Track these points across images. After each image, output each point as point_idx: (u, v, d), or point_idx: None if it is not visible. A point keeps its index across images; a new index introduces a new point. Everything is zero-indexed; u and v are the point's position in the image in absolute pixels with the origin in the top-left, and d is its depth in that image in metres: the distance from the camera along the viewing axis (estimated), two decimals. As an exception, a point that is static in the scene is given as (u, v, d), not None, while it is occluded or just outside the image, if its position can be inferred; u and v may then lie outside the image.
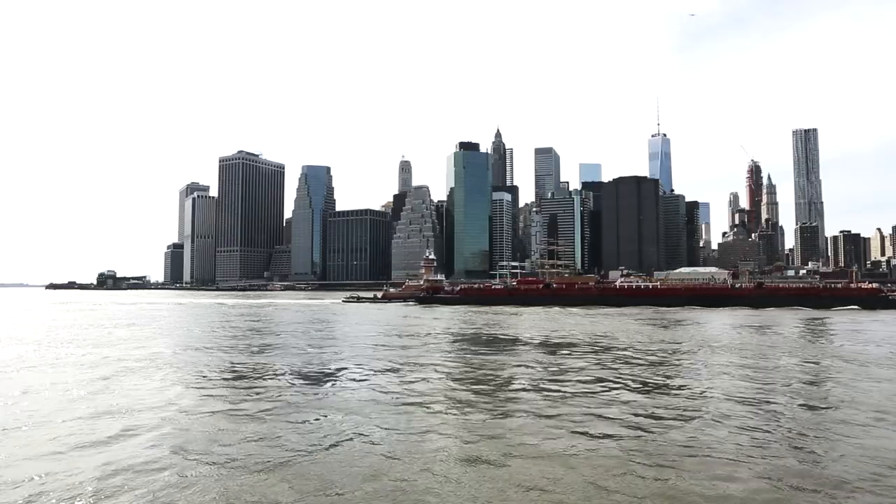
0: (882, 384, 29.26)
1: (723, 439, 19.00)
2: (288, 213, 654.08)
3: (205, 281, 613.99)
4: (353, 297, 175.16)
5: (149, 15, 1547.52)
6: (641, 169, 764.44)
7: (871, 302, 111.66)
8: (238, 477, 15.52)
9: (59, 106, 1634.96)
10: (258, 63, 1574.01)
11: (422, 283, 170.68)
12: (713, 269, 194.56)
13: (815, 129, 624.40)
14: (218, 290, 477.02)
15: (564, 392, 27.31)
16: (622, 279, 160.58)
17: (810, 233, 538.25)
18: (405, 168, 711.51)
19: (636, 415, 22.61)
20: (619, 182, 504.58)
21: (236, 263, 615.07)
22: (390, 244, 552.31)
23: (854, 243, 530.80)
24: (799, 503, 13.89)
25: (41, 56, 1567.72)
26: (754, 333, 59.48)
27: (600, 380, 30.72)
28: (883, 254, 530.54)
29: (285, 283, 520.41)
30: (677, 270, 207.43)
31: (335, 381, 31.26)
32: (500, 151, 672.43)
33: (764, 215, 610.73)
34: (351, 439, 19.19)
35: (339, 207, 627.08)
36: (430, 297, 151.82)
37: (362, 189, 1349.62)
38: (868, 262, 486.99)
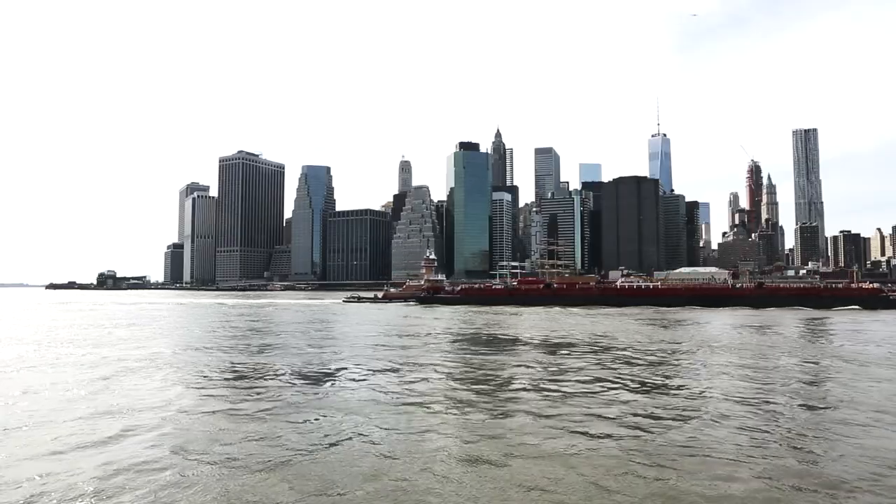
0: (882, 384, 29.26)
1: (722, 439, 19.00)
2: (288, 213, 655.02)
3: (205, 281, 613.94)
4: (353, 298, 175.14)
5: (149, 15, 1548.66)
6: (641, 169, 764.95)
7: (872, 302, 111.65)
8: (238, 477, 15.53)
9: (59, 106, 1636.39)
10: (258, 63, 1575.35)
11: (422, 283, 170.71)
12: (713, 269, 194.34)
13: (815, 129, 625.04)
14: (218, 290, 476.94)
15: (564, 392, 27.31)
16: (623, 279, 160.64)
17: (810, 233, 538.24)
18: (405, 168, 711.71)
19: (636, 415, 22.62)
20: (619, 182, 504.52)
21: (236, 263, 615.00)
22: (390, 244, 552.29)
23: (854, 243, 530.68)
24: (798, 503, 13.90)
25: (41, 56, 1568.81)
26: (755, 333, 59.48)
27: (600, 380, 30.73)
28: (883, 254, 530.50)
29: (285, 284, 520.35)
30: (677, 270, 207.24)
31: (335, 381, 31.27)
32: (500, 151, 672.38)
33: (764, 215, 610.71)
34: (351, 439, 19.20)
35: (339, 207, 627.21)
36: (430, 297, 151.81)
37: (362, 189, 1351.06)
38: (868, 262, 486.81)
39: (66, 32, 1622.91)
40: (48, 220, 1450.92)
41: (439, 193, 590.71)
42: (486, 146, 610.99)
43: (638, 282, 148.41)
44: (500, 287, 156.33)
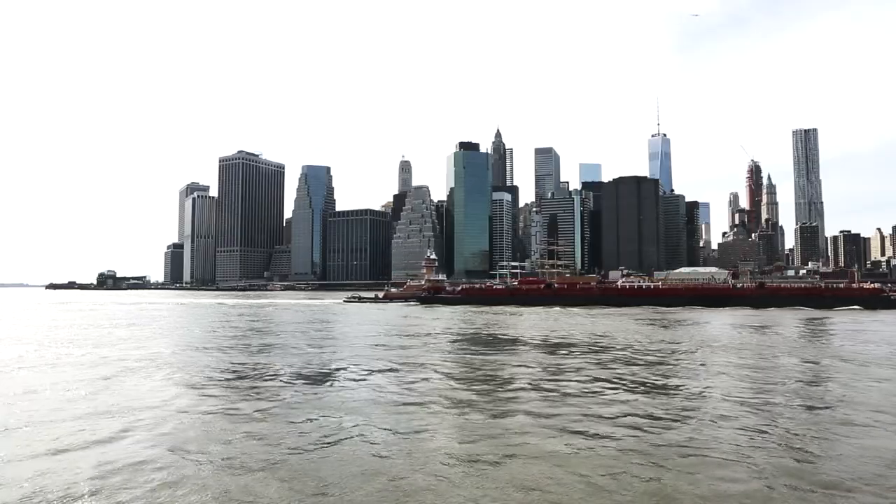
0: (882, 384, 29.26)
1: (721, 439, 19.01)
2: (288, 213, 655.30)
3: (205, 281, 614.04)
4: (354, 298, 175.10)
5: (149, 15, 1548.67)
6: (641, 169, 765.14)
7: (873, 302, 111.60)
8: (237, 476, 15.53)
9: (59, 106, 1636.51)
10: (258, 63, 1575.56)
11: (423, 283, 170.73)
12: (713, 269, 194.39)
13: (815, 129, 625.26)
14: (218, 290, 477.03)
15: (564, 392, 27.31)
16: (623, 279, 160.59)
17: (810, 233, 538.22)
18: (405, 168, 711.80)
19: (635, 415, 22.61)
20: (619, 182, 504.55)
21: (236, 263, 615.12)
22: (390, 244, 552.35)
23: (854, 243, 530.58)
24: (796, 503, 13.89)
25: (41, 56, 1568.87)
26: (755, 333, 59.46)
27: (600, 379, 30.72)
28: (883, 254, 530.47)
29: (285, 283, 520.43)
30: (677, 270, 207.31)
31: (335, 381, 31.26)
32: (500, 151, 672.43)
33: (764, 215, 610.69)
34: (350, 439, 19.20)
35: (339, 207, 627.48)
36: (431, 297, 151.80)
37: (362, 189, 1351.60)
38: (868, 262, 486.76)
39: (66, 32, 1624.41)
40: (48, 220, 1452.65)
41: (439, 193, 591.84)
42: (486, 146, 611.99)
43: (639, 282, 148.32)
44: (500, 287, 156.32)
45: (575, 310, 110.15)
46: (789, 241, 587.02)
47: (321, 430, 20.41)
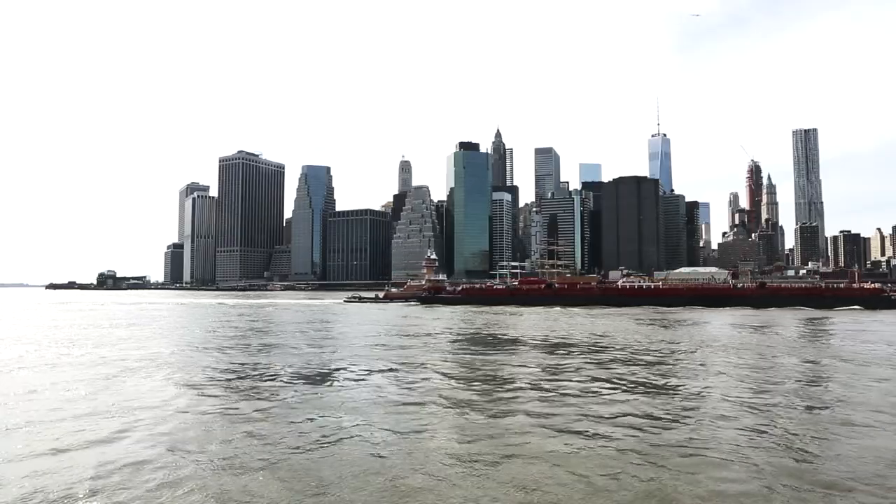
0: (882, 384, 29.24)
1: (721, 439, 19.01)
2: (288, 213, 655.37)
3: (205, 281, 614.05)
4: (354, 298, 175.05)
5: (149, 15, 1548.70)
6: (641, 169, 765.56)
7: (874, 302, 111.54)
8: (236, 476, 15.53)
9: (59, 106, 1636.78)
10: (258, 63, 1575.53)
11: (423, 283, 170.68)
12: (713, 269, 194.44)
13: (815, 129, 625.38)
14: (218, 290, 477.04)
15: (564, 392, 27.30)
16: (624, 279, 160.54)
17: (810, 233, 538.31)
18: (405, 168, 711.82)
19: (636, 415, 22.61)
20: (619, 182, 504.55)
21: (236, 263, 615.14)
22: (390, 244, 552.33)
23: (854, 243, 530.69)
24: (795, 503, 13.88)
25: (41, 56, 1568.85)
26: (756, 333, 59.42)
27: (600, 380, 30.71)
28: (883, 254, 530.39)
29: (285, 283, 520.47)
30: (677, 270, 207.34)
31: (335, 380, 31.25)
32: (500, 151, 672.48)
33: (764, 215, 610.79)
34: (350, 438, 19.19)
35: (339, 207, 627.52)
36: (431, 297, 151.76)
37: (362, 189, 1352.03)
38: (868, 262, 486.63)
39: (66, 33, 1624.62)
40: (48, 220, 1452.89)
41: (439, 193, 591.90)
42: (486, 146, 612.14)
43: (639, 282, 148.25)
44: (501, 287, 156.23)
45: (575, 310, 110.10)
46: (789, 241, 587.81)
47: (321, 429, 20.39)
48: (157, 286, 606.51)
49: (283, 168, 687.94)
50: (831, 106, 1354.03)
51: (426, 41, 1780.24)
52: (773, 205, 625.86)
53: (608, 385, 29.09)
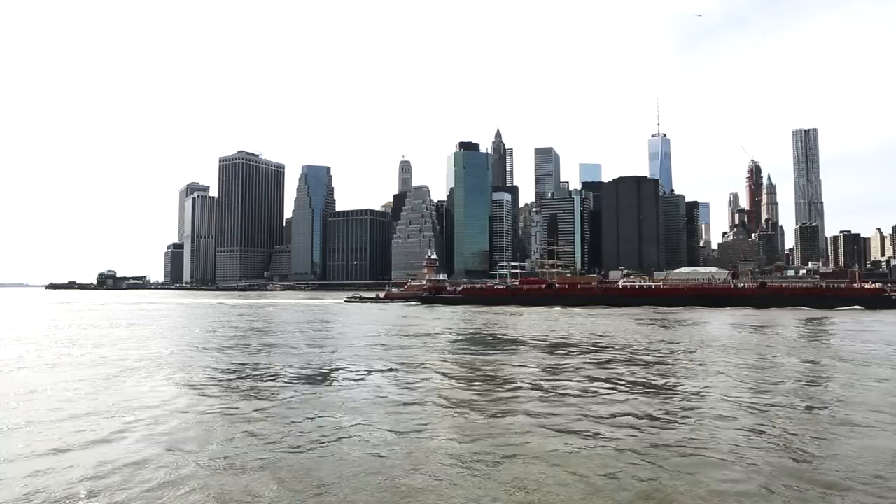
0: (882, 384, 29.24)
1: (720, 439, 19.02)
2: (288, 213, 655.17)
3: (205, 281, 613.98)
4: (355, 297, 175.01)
5: (149, 15, 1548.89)
6: (641, 169, 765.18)
7: (875, 302, 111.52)
8: (236, 476, 15.52)
9: (59, 106, 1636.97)
10: (258, 63, 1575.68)
11: (424, 283, 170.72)
12: (713, 269, 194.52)
13: (815, 129, 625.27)
14: (218, 290, 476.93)
15: (565, 392, 27.31)
16: (624, 279, 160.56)
17: (810, 233, 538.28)
18: (405, 168, 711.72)
19: (636, 415, 22.63)
20: (619, 182, 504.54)
21: (236, 263, 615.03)
22: (390, 244, 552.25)
23: (854, 243, 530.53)
24: (793, 503, 13.87)
25: (41, 56, 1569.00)
26: (756, 333, 59.41)
27: (601, 380, 30.70)
28: (883, 254, 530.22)
29: (285, 283, 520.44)
30: (677, 270, 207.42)
31: (335, 380, 31.25)
32: (500, 151, 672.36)
33: (764, 215, 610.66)
34: (350, 438, 19.19)
35: (339, 207, 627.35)
36: (432, 297, 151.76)
37: (362, 189, 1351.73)
38: (868, 262, 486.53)
39: (66, 32, 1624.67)
40: (48, 220, 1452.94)
41: (439, 193, 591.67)
42: (486, 146, 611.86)
43: (640, 282, 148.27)
44: (501, 287, 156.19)
45: (576, 310, 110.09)
46: (789, 241, 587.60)
47: (321, 429, 20.38)
48: (157, 286, 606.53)
49: (283, 168, 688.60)
50: (831, 106, 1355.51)
51: (426, 41, 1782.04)
52: (773, 205, 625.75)
53: (608, 385, 29.07)
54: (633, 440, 18.92)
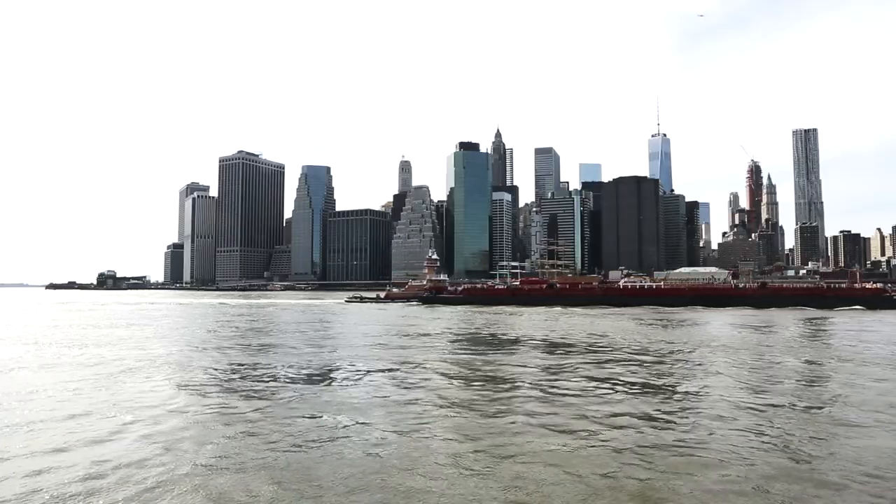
0: (881, 384, 29.20)
1: (719, 440, 18.99)
2: (288, 213, 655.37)
3: (205, 281, 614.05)
4: (355, 298, 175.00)
5: (149, 15, 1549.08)
6: (641, 169, 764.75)
7: (875, 302, 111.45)
8: (235, 476, 15.49)
9: (59, 106, 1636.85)
10: (258, 63, 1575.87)
11: (425, 283, 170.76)
12: (713, 269, 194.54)
13: (815, 129, 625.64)
14: (218, 290, 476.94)
15: (564, 392, 27.29)
16: (625, 279, 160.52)
17: (810, 233, 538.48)
18: (405, 168, 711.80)
19: (636, 416, 22.61)
20: (619, 182, 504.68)
21: (236, 263, 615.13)
22: (390, 244, 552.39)
23: (854, 243, 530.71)
24: (790, 503, 13.82)
25: (41, 56, 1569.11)
26: (758, 333, 59.37)
27: (601, 380, 30.69)
28: (883, 254, 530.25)
29: (285, 283, 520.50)
30: (677, 270, 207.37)
31: (335, 380, 31.22)
32: (500, 151, 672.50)
33: (764, 215, 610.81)
34: (349, 439, 19.16)
35: (339, 207, 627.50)
36: (433, 297, 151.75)
37: (362, 189, 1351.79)
38: (868, 262, 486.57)
39: (66, 32, 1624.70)
40: (48, 220, 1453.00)
41: (439, 193, 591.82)
42: (486, 146, 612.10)
43: (641, 282, 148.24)
44: (502, 287, 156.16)
45: (577, 310, 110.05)
46: (789, 241, 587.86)
47: (320, 429, 20.35)
48: (157, 286, 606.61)
49: (283, 168, 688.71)
50: (831, 106, 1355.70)
51: (426, 42, 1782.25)
52: (773, 205, 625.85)
53: (608, 385, 29.06)
54: (632, 440, 18.91)
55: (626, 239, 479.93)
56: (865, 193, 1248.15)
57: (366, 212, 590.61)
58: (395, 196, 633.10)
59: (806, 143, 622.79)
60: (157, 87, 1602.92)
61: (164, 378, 31.38)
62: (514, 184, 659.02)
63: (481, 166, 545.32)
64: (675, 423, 21.23)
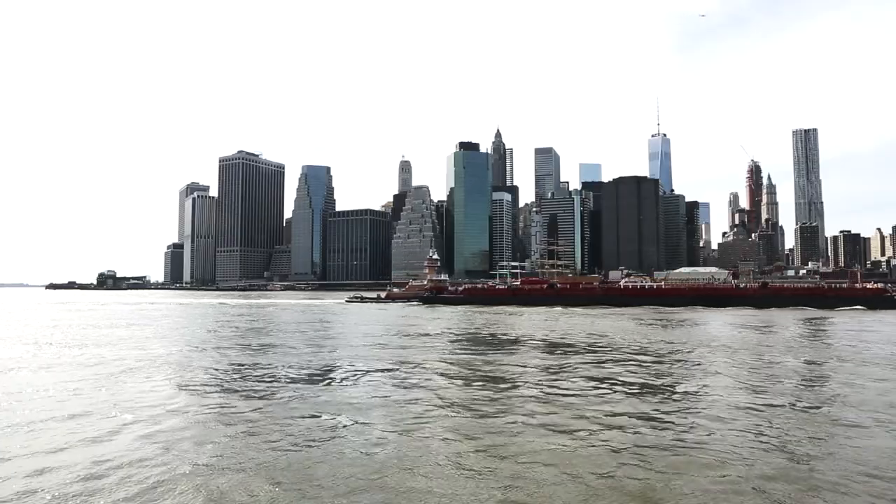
0: (881, 384, 29.19)
1: (718, 440, 18.99)
2: (288, 213, 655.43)
3: (205, 281, 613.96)
4: (356, 298, 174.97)
5: (149, 15, 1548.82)
6: (641, 169, 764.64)
7: (876, 302, 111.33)
8: (234, 476, 15.49)
9: (59, 106, 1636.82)
10: (258, 63, 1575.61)
11: (425, 283, 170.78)
12: (713, 269, 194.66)
13: (815, 129, 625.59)
14: (218, 290, 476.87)
15: (564, 392, 27.30)
16: (625, 279, 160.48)
17: (810, 233, 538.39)
18: (405, 168, 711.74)
19: (635, 416, 22.63)
20: (619, 182, 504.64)
21: (236, 263, 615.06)
22: (390, 244, 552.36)
23: (854, 243, 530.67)
24: (789, 502, 13.83)
25: (41, 56, 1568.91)
26: (757, 333, 59.36)
27: (601, 380, 30.69)
28: (883, 254, 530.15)
29: (285, 284, 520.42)
30: (677, 270, 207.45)
31: (334, 381, 31.21)
32: (500, 151, 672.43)
33: (764, 215, 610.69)
34: (349, 439, 19.17)
35: (339, 207, 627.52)
36: (433, 297, 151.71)
37: (362, 189, 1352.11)
38: (868, 262, 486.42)
39: (66, 32, 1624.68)
40: (48, 220, 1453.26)
41: (439, 193, 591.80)
42: (486, 146, 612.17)
43: (641, 282, 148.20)
44: (503, 287, 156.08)
45: (578, 310, 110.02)
46: (789, 241, 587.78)
47: (319, 429, 20.37)
48: (157, 286, 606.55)
49: (283, 168, 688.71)
50: (831, 106, 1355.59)
51: (426, 42, 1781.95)
52: (773, 205, 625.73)
53: (608, 385, 29.06)
54: (631, 440, 18.92)
55: (626, 239, 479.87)
56: (865, 193, 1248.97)
57: (366, 212, 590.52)
58: (395, 196, 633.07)
59: (806, 143, 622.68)
60: (157, 87, 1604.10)
61: (164, 378, 31.39)
62: (514, 184, 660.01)
63: (481, 166, 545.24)
64: (674, 423, 21.23)
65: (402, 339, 54.20)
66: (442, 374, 32.85)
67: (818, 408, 24.00)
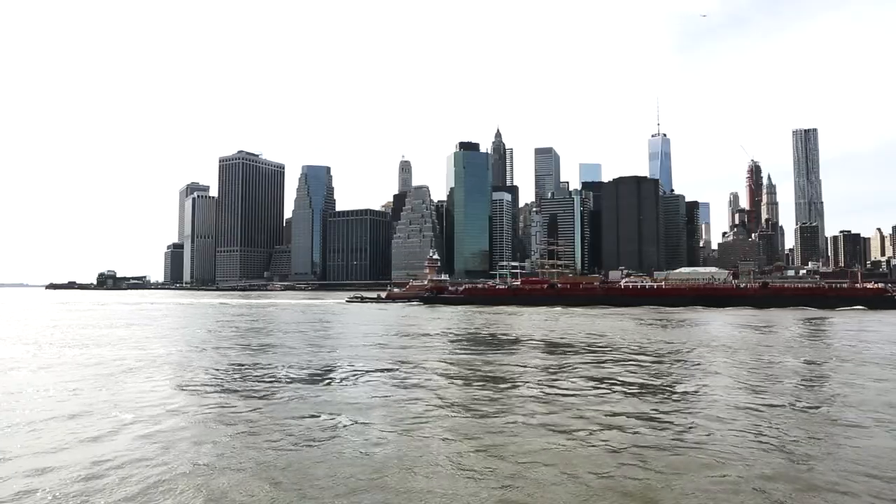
0: (880, 384, 29.18)
1: (718, 440, 18.99)
2: (288, 213, 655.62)
3: (205, 281, 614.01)
4: (356, 298, 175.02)
5: (149, 15, 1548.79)
6: (641, 169, 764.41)
7: (877, 302, 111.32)
8: (234, 476, 15.50)
9: (59, 106, 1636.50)
10: (258, 63, 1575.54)
11: (426, 283, 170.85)
12: (713, 269, 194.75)
13: (815, 129, 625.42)
14: (218, 290, 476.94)
15: (564, 392, 27.31)
16: (626, 279, 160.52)
17: (810, 233, 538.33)
18: (405, 168, 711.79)
19: (635, 416, 22.63)
20: (619, 182, 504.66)
21: (236, 263, 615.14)
22: (390, 244, 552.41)
23: (854, 243, 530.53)
24: (787, 503, 13.83)
25: (41, 56, 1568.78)
26: (757, 333, 59.36)
27: (600, 380, 30.71)
28: (883, 254, 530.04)
29: (285, 284, 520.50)
30: (677, 270, 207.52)
31: (334, 381, 31.22)
32: (500, 151, 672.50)
33: (764, 215, 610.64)
34: (349, 439, 19.17)
35: (339, 207, 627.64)
36: (434, 297, 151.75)
37: (362, 189, 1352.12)
38: (868, 262, 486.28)
39: (66, 32, 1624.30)
40: (48, 220, 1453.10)
41: (439, 193, 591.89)
42: (486, 146, 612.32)
43: (642, 282, 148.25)
44: (503, 287, 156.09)
45: (577, 310, 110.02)
46: (789, 241, 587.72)
47: (319, 429, 20.38)
48: (157, 286, 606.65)
49: (283, 168, 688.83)
50: (831, 106, 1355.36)
51: (426, 42, 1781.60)
52: (773, 205, 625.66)
53: (608, 385, 29.07)
54: (631, 440, 18.92)
55: (626, 239, 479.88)
56: (865, 193, 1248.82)
57: (366, 212, 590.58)
58: (395, 196, 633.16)
59: (806, 143, 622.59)
60: (157, 87, 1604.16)
61: (165, 378, 31.39)
62: (514, 184, 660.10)
63: (481, 166, 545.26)
64: (673, 423, 21.23)
65: (403, 339, 54.20)
66: (442, 374, 32.86)
67: (818, 408, 24.01)
